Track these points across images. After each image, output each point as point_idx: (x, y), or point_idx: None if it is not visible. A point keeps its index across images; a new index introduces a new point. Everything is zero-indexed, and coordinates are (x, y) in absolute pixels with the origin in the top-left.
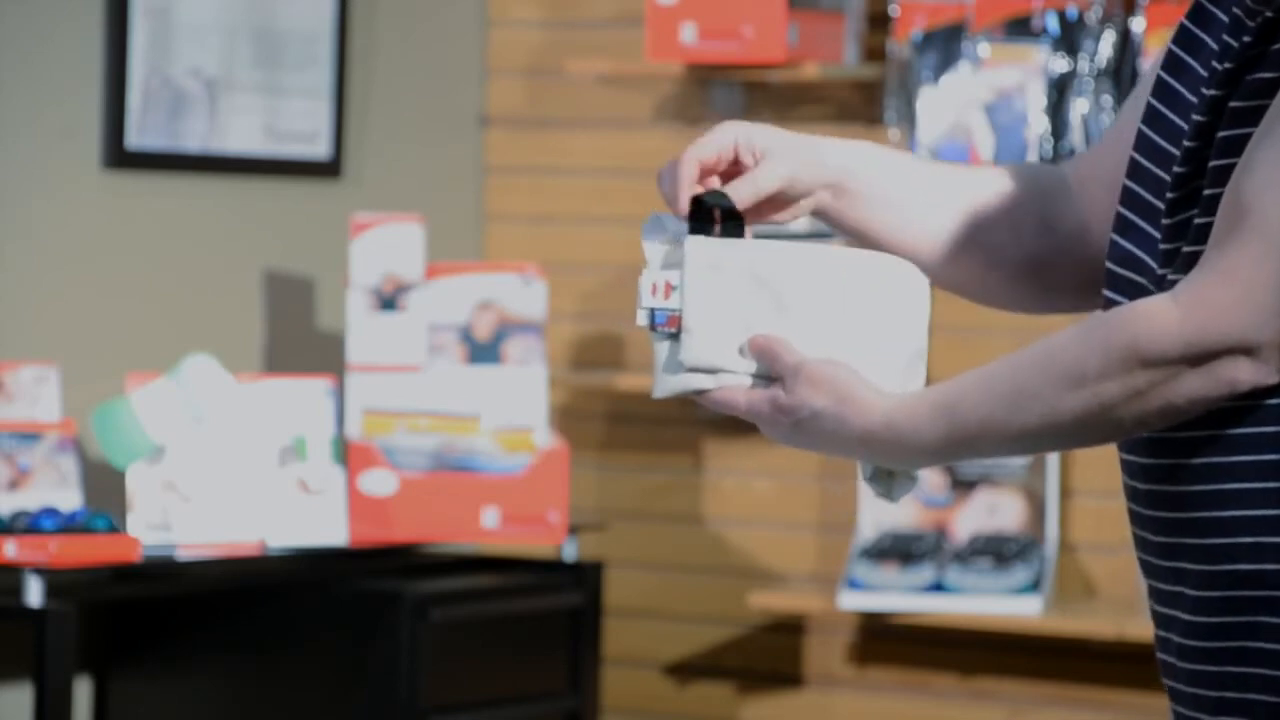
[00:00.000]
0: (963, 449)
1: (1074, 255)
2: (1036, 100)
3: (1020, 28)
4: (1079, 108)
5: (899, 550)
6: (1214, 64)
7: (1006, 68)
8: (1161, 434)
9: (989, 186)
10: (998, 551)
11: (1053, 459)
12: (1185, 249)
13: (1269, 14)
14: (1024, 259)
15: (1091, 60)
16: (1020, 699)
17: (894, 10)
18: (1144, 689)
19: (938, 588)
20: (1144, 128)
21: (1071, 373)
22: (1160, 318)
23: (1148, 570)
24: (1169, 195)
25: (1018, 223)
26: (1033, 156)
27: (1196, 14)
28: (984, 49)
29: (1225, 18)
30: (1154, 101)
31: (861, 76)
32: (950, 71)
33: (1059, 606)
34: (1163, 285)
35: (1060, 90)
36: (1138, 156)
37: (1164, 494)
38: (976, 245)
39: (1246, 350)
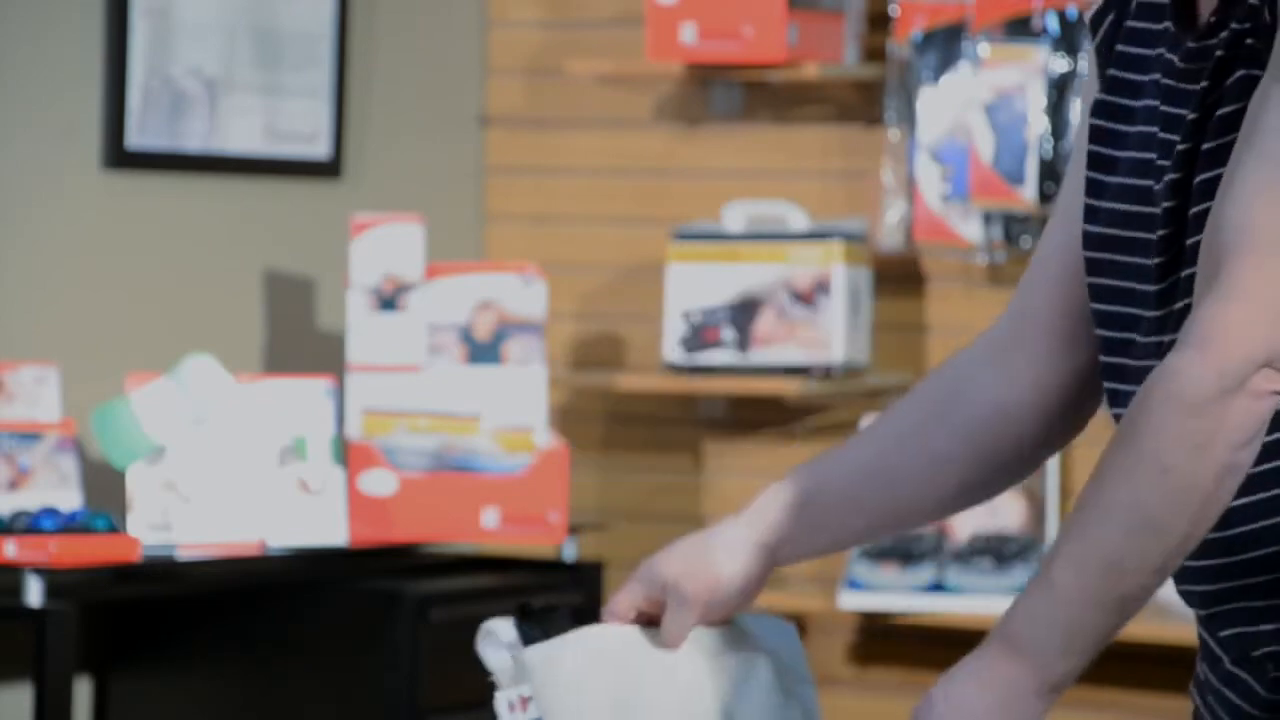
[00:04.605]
0: (1082, 609)
1: (1028, 419)
2: (1036, 100)
3: (1020, 28)
4: (1079, 108)
5: (899, 550)
6: (1162, 109)
7: (1006, 68)
8: None
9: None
10: (998, 551)
11: (1052, 459)
12: (1177, 306)
13: (1220, 53)
14: (971, 487)
15: None
16: None
17: (894, 10)
18: (1144, 689)
19: (938, 588)
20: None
21: (1134, 464)
22: (1186, 365)
23: None
24: (1156, 260)
25: (940, 481)
26: (1033, 157)
27: (1113, 87)
28: (984, 49)
29: (1148, 77)
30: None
31: (861, 76)
32: (950, 71)
33: None
34: (1161, 352)
35: (1060, 90)
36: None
37: None
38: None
39: (1275, 362)
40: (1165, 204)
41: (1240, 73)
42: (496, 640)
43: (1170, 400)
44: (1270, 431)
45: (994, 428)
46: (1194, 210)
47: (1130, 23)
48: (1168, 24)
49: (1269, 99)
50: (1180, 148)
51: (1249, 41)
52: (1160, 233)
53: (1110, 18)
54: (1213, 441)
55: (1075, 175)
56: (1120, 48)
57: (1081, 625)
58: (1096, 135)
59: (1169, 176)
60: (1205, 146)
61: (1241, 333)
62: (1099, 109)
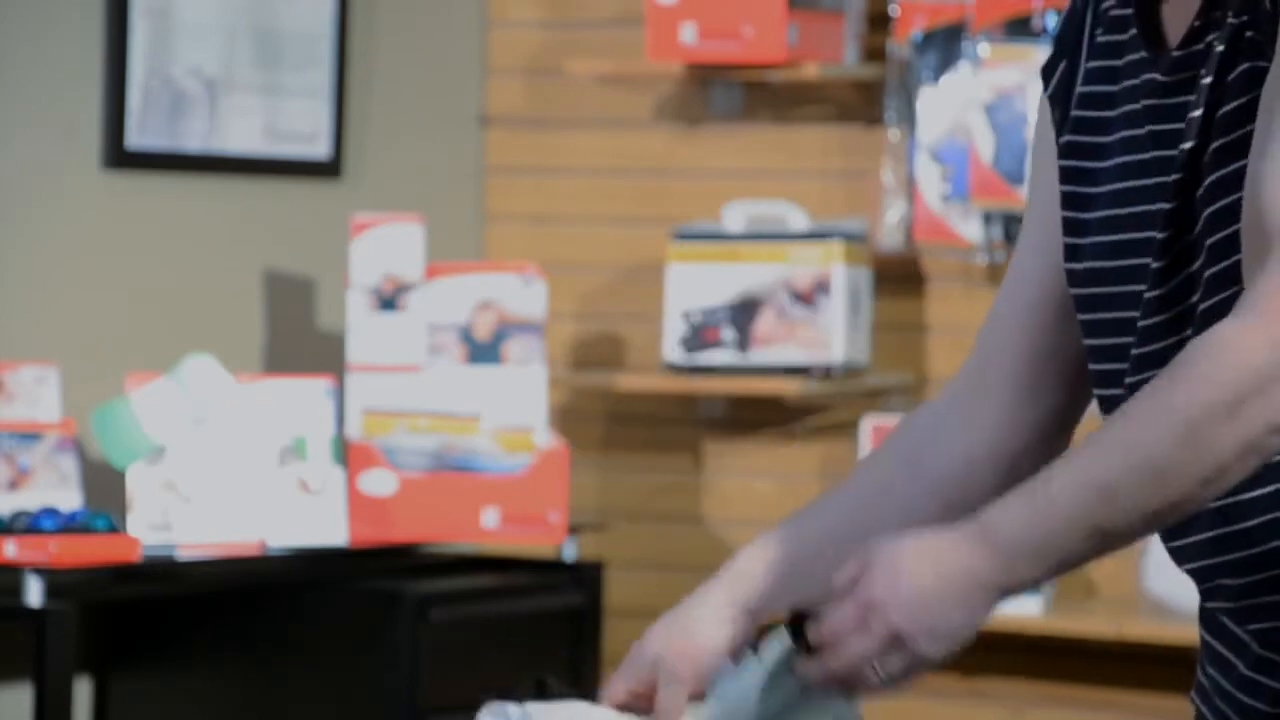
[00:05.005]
0: (1062, 524)
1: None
2: (1036, 100)
3: (1020, 28)
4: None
5: None
6: (1150, 128)
7: (1006, 68)
8: None
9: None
10: None
11: None
12: (1202, 306)
13: (1220, 49)
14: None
15: None
16: (1020, 699)
17: (894, 10)
18: (1144, 689)
19: None
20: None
21: (1159, 413)
22: (1236, 333)
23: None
24: (1157, 265)
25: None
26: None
27: (1080, 127)
28: (984, 49)
29: (1116, 112)
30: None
31: (861, 76)
32: (950, 71)
33: (1059, 606)
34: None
35: None
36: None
37: None
38: None
39: None
40: (1166, 206)
41: (1244, 66)
42: (504, 714)
43: (1213, 362)
44: None
45: (961, 480)
46: (1212, 209)
47: (1089, 64)
48: (1130, 57)
49: None
50: (1185, 145)
51: (1249, 34)
52: (1160, 236)
53: (1063, 65)
54: (1247, 412)
55: (1035, 216)
56: (1082, 89)
57: (1057, 539)
58: (1069, 176)
59: (1172, 177)
60: (1214, 145)
61: None
62: (1068, 150)
